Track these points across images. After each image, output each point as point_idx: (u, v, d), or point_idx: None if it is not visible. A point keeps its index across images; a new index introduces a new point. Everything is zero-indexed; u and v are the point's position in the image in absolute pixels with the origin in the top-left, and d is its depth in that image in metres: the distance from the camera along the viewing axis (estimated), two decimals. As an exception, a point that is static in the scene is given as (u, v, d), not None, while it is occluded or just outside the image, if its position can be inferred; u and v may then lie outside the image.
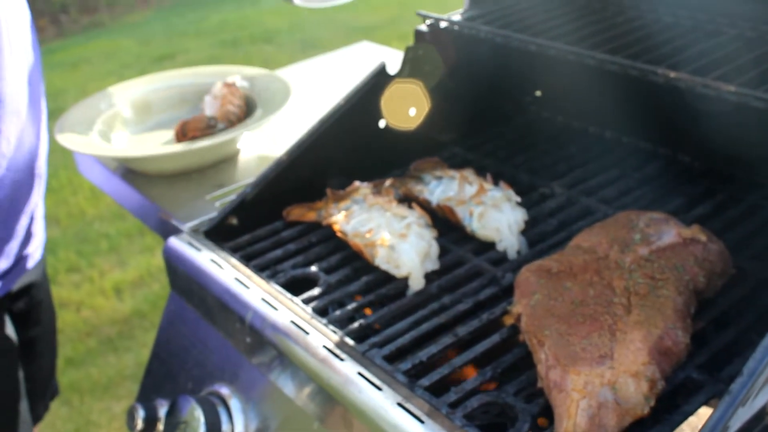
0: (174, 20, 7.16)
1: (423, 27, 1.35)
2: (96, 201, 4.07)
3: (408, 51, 1.33)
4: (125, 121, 1.66)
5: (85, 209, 4.00)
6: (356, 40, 2.17)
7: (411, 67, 1.33)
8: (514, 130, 1.50)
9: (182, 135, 1.51)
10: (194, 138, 1.50)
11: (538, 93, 1.55)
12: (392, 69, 1.32)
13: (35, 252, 1.47)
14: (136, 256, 3.61)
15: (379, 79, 1.30)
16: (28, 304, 1.51)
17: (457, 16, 1.35)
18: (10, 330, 1.41)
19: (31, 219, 1.40)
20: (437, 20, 1.32)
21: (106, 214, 3.96)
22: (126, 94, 1.70)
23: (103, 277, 3.49)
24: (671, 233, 1.03)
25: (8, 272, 1.37)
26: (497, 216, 1.14)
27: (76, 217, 3.95)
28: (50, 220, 3.86)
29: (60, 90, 5.39)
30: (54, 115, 1.88)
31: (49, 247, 3.62)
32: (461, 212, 1.17)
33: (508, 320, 1.00)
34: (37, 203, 1.42)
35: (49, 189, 4.09)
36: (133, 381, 2.88)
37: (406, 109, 1.34)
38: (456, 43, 1.37)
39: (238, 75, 1.69)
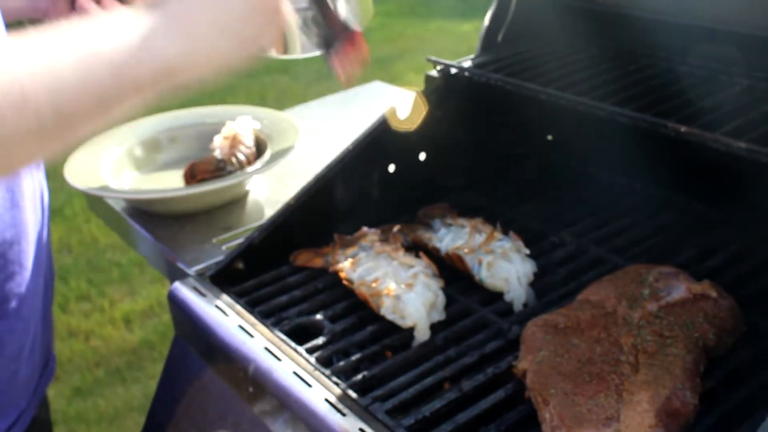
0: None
1: (434, 72, 1.35)
2: (108, 230, 4.06)
3: (418, 96, 1.33)
4: (135, 160, 1.66)
5: (97, 237, 4.01)
6: (372, 71, 2.17)
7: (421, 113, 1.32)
8: (525, 175, 1.49)
9: (191, 177, 1.51)
10: (203, 180, 1.50)
11: (550, 137, 1.55)
12: (402, 111, 1.32)
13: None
14: (146, 286, 3.60)
15: (389, 124, 1.30)
16: None
17: (467, 63, 1.35)
18: None
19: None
20: (448, 66, 1.32)
21: (118, 242, 3.96)
22: (136, 133, 1.70)
23: (113, 306, 3.49)
24: (681, 288, 1.01)
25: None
26: (506, 266, 1.13)
27: (89, 245, 3.96)
28: (62, 247, 3.87)
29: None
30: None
31: (61, 275, 3.64)
32: (470, 261, 1.16)
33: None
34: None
35: (63, 216, 4.10)
36: (140, 413, 2.86)
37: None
38: (466, 89, 1.36)
39: (249, 115, 1.69)
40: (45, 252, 1.16)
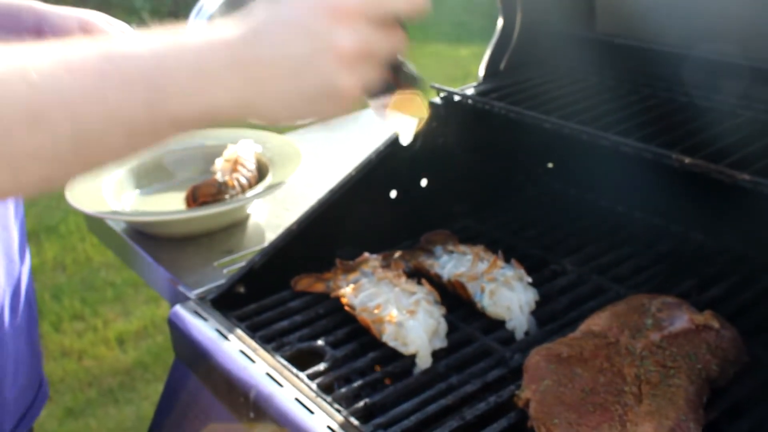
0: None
1: (437, 99, 1.35)
2: (103, 249, 4.06)
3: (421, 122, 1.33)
4: (136, 181, 1.66)
5: (92, 256, 3.99)
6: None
7: (423, 140, 1.33)
8: (526, 202, 1.49)
9: (193, 200, 1.50)
10: (205, 203, 1.49)
11: (551, 165, 1.55)
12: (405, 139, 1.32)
13: None
14: (140, 306, 3.59)
15: (391, 149, 1.30)
16: None
17: (470, 90, 1.35)
18: None
19: None
20: (451, 93, 1.33)
21: (113, 262, 3.95)
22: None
23: (106, 326, 3.47)
24: (683, 319, 1.01)
25: None
26: (509, 294, 1.13)
27: (83, 264, 3.95)
28: (56, 266, 3.86)
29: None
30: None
31: (54, 294, 3.62)
32: (472, 288, 1.16)
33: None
34: None
35: (57, 235, 4.09)
36: (133, 435, 2.85)
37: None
38: (469, 115, 1.37)
39: (251, 139, 1.69)
40: (19, 276, 1.15)
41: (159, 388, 1.30)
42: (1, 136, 0.60)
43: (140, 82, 0.65)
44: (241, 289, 1.22)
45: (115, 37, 0.69)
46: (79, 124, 0.63)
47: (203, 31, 0.69)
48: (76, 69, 0.63)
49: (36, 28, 1.25)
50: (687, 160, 1.01)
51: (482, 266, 1.18)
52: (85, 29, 1.26)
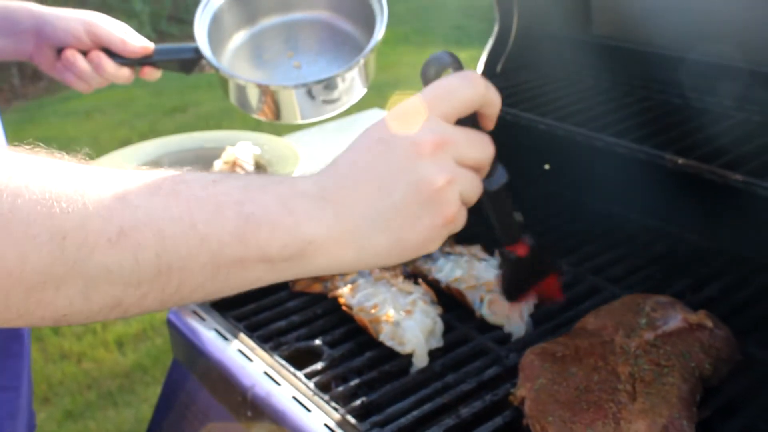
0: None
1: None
2: (102, 252, 4.07)
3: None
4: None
5: (91, 259, 4.00)
6: (368, 98, 2.19)
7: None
8: (522, 204, 1.49)
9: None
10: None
11: (547, 166, 1.56)
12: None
13: None
14: (140, 308, 3.60)
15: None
16: None
17: (467, 92, 1.36)
18: None
19: None
20: (447, 95, 1.33)
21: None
22: (136, 156, 1.71)
23: (105, 329, 3.48)
24: (677, 318, 1.02)
25: None
26: (508, 305, 1.13)
27: (82, 268, 3.96)
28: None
29: (72, 138, 5.44)
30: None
31: (54, 297, 3.62)
32: (471, 296, 1.17)
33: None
34: None
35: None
36: (132, 437, 2.85)
37: None
38: (465, 117, 1.38)
39: (249, 141, 1.70)
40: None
41: (158, 390, 1.31)
42: (84, 247, 0.56)
43: (231, 208, 0.62)
44: (240, 290, 1.23)
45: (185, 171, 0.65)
46: (165, 246, 0.59)
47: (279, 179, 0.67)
48: (166, 192, 0.61)
49: (35, 31, 1.26)
50: (680, 160, 1.02)
51: (479, 267, 1.19)
52: (90, 31, 1.26)
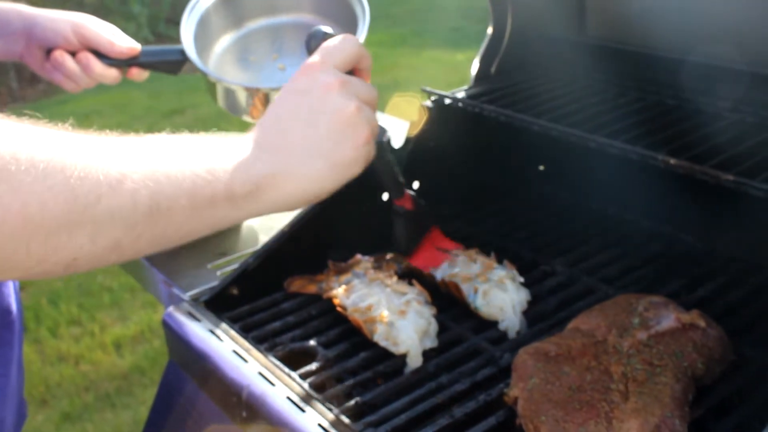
0: (185, 75, 7.24)
1: (428, 102, 1.37)
2: (100, 254, 4.07)
3: (412, 126, 1.35)
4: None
5: (89, 262, 4.00)
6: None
7: (415, 143, 1.34)
8: (517, 205, 1.51)
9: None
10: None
11: (542, 167, 1.57)
12: (397, 142, 1.34)
13: None
14: (137, 311, 3.60)
15: (383, 152, 1.31)
16: None
17: (461, 93, 1.37)
18: None
19: None
20: (441, 97, 1.34)
21: (109, 267, 3.95)
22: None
23: (103, 331, 3.48)
24: (670, 318, 1.03)
25: None
26: (501, 295, 1.14)
27: (80, 270, 3.96)
28: (54, 271, 3.86)
29: (70, 141, 5.43)
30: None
31: (51, 299, 3.63)
32: (466, 288, 1.17)
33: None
34: None
35: (55, 241, 4.09)
36: (130, 439, 2.85)
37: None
38: (460, 119, 1.39)
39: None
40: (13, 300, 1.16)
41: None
42: (91, 194, 0.68)
43: (201, 156, 0.79)
44: (235, 291, 1.23)
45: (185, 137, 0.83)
46: (155, 188, 0.73)
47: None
48: (153, 146, 0.78)
49: (24, 32, 1.28)
50: (672, 161, 1.02)
51: (475, 267, 1.19)
52: (78, 32, 1.28)
